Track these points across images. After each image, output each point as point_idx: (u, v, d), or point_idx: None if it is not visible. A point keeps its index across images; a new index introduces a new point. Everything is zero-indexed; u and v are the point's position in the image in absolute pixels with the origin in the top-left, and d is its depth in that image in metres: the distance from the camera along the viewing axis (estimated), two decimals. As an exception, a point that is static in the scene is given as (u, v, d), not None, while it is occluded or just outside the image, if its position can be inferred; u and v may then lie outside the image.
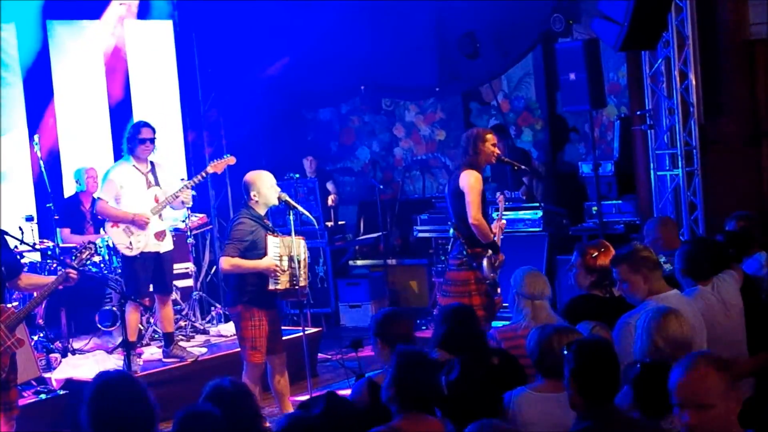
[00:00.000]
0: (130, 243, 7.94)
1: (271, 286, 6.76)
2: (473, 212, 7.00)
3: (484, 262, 7.13)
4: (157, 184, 8.10)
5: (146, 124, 8.10)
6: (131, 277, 8.02)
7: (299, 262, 6.86)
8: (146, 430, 3.73)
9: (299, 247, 6.90)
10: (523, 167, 7.91)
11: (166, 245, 8.15)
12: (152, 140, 8.06)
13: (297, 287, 6.81)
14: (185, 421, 3.73)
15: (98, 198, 8.09)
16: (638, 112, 9.17)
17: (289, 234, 6.85)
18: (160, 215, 8.09)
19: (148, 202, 8.03)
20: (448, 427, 4.13)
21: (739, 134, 8.88)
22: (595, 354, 3.94)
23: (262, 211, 6.89)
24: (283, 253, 6.78)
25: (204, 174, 8.24)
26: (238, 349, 8.35)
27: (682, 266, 5.53)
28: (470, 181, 7.05)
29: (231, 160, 8.39)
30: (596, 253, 5.74)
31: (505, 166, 7.98)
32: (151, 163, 8.14)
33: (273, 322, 6.93)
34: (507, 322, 5.89)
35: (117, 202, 7.99)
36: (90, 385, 3.83)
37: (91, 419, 3.74)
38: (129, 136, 8.06)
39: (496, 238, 7.23)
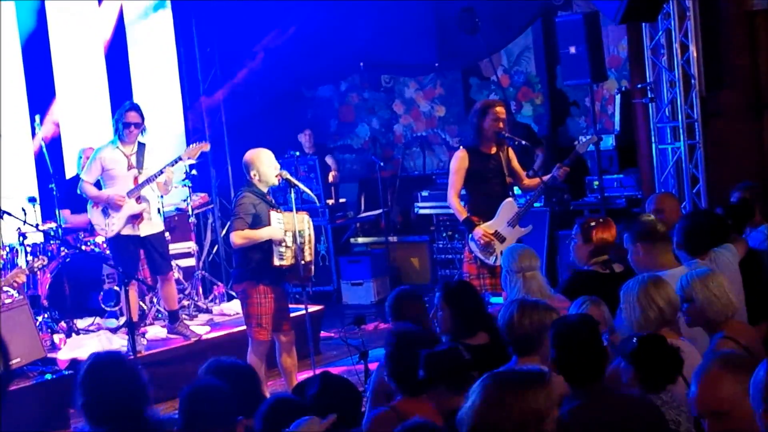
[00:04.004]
0: (106, 224, 7.95)
1: (276, 262, 6.78)
2: (448, 194, 7.33)
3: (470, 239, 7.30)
4: (138, 166, 8.01)
5: (133, 108, 8.04)
6: (117, 258, 8.04)
7: (304, 237, 6.87)
8: (139, 410, 3.74)
9: (303, 222, 6.91)
10: (524, 142, 7.89)
11: (148, 228, 8.05)
12: (137, 125, 7.95)
13: (303, 262, 6.82)
14: (192, 396, 3.71)
15: (82, 179, 8.09)
16: (639, 85, 9.12)
17: (293, 211, 6.88)
18: (138, 199, 7.99)
19: (127, 184, 8.00)
20: None
21: (740, 106, 8.85)
22: (573, 336, 3.90)
23: (264, 189, 6.90)
24: (288, 229, 6.79)
25: (180, 163, 8.16)
26: (242, 328, 8.40)
27: (679, 240, 5.54)
28: (452, 164, 7.40)
29: (205, 146, 8.23)
30: (594, 224, 5.79)
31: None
32: (141, 145, 8.06)
33: (280, 299, 6.94)
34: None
35: (103, 183, 7.99)
36: (82, 367, 3.87)
37: (84, 400, 3.78)
38: (116, 118, 8.05)
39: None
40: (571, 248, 5.90)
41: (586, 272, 5.73)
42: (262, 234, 6.77)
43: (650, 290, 4.44)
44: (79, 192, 8.16)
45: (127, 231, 7.97)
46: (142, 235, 8.02)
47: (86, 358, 3.92)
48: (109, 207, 7.92)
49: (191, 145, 8.25)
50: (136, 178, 7.98)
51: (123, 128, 7.93)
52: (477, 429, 2.84)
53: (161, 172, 7.95)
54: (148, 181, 7.94)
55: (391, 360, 4.27)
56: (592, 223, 5.82)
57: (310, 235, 6.97)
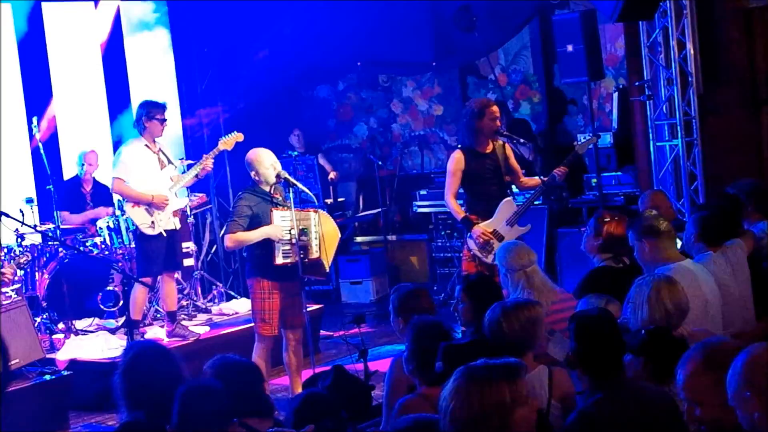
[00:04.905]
0: (152, 222, 7.95)
1: (279, 260, 6.78)
2: (445, 195, 7.42)
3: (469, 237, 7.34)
4: (170, 162, 8.14)
5: (164, 105, 8.13)
6: (146, 256, 8.02)
7: (309, 234, 6.87)
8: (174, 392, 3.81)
9: (308, 219, 6.91)
10: (522, 140, 7.89)
11: (178, 223, 8.21)
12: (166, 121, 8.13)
13: (306, 260, 6.82)
14: (187, 396, 3.73)
15: (115, 177, 8.07)
16: (636, 83, 9.14)
17: (306, 208, 6.95)
18: (175, 194, 8.16)
19: (164, 182, 8.05)
20: None
21: (738, 103, 8.86)
22: (595, 329, 3.93)
23: (266, 188, 6.91)
24: (293, 226, 6.79)
25: (215, 151, 8.18)
26: (240, 328, 8.47)
27: (697, 231, 5.56)
28: (449, 165, 7.44)
29: (239, 136, 8.27)
30: (608, 219, 5.82)
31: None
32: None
33: (289, 296, 6.93)
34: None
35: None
36: (124, 356, 4.05)
37: (126, 387, 3.93)
38: (145, 114, 8.03)
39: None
40: (584, 237, 5.97)
41: (602, 268, 5.77)
42: (254, 235, 6.78)
43: (662, 290, 4.42)
44: (112, 192, 8.26)
45: (170, 225, 8.05)
46: (177, 228, 8.12)
47: (125, 348, 4.04)
48: (153, 207, 7.95)
49: (226, 136, 8.27)
50: (171, 176, 8.09)
51: (159, 124, 8.01)
52: (446, 417, 2.99)
53: (198, 164, 8.08)
54: (193, 177, 8.09)
55: (412, 351, 4.31)
56: (606, 219, 5.86)
57: (319, 232, 6.96)
